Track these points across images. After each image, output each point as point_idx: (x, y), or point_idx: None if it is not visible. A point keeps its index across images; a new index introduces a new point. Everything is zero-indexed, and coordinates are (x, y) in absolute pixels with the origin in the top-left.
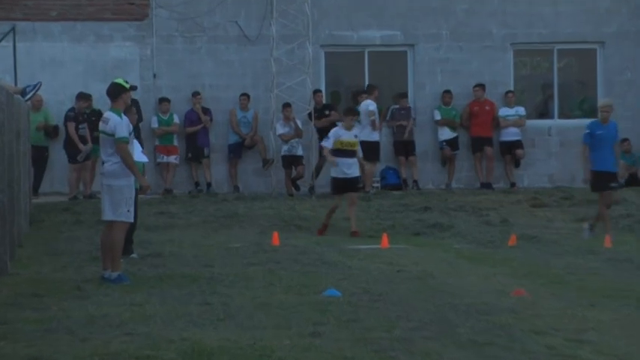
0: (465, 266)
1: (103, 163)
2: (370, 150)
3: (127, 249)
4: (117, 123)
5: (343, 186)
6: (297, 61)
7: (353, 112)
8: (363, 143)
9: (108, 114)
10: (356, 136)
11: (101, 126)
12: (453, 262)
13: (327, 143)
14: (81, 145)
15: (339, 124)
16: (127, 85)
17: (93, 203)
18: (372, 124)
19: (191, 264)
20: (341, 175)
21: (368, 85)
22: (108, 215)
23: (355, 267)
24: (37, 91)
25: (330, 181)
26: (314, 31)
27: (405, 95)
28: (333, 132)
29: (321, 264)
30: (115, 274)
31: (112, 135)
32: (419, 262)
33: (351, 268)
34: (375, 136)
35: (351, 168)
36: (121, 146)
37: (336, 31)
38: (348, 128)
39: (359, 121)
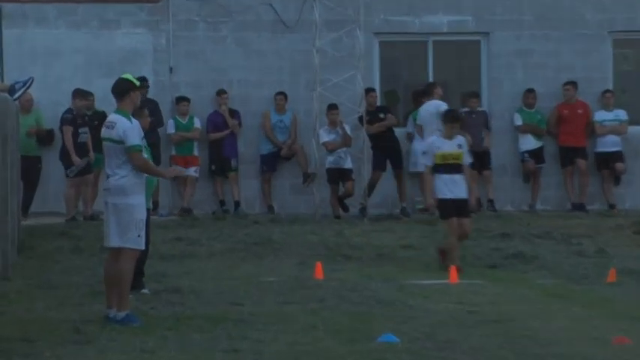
0: (552, 307)
1: (107, 176)
2: None
3: (137, 283)
4: (126, 128)
5: (452, 209)
6: (346, 53)
7: (454, 118)
8: None
9: (113, 117)
10: (460, 146)
11: (105, 132)
12: (537, 301)
13: (427, 160)
14: (75, 158)
15: (438, 133)
16: (137, 83)
17: (95, 226)
18: None
19: (215, 302)
20: (449, 196)
21: (428, 84)
22: (114, 241)
23: (417, 307)
24: (28, 88)
25: (437, 204)
26: (366, 15)
27: (476, 95)
28: (429, 144)
29: (375, 303)
30: (122, 314)
31: (120, 142)
32: (495, 301)
33: (412, 308)
34: None
35: (458, 186)
36: (134, 156)
37: (393, 16)
38: (449, 137)
39: (416, 127)
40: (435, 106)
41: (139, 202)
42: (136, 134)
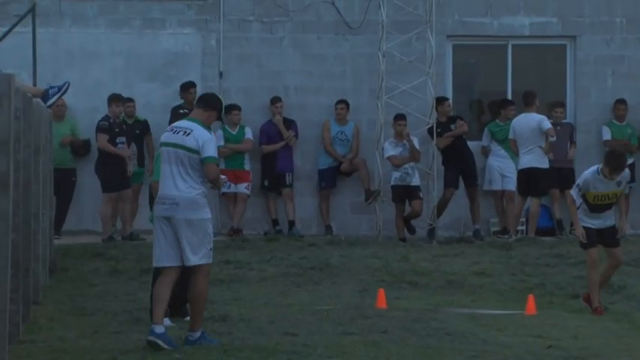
0: None
1: (165, 188)
2: (539, 180)
3: (181, 309)
4: (207, 139)
5: (596, 238)
6: (415, 58)
7: (620, 166)
8: (529, 171)
9: (188, 124)
10: (619, 184)
11: (173, 137)
12: (625, 335)
13: (574, 193)
14: (122, 151)
15: (597, 168)
16: (223, 111)
17: (134, 246)
18: (550, 147)
19: (266, 332)
20: (594, 226)
21: (528, 92)
22: (191, 260)
23: (491, 340)
24: (63, 94)
25: (584, 232)
26: (438, 16)
27: (562, 105)
28: (584, 177)
29: (443, 335)
30: (197, 334)
31: (196, 152)
32: (578, 335)
33: (485, 341)
34: (545, 162)
35: (608, 219)
36: (211, 168)
37: (468, 17)
38: (611, 176)
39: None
40: (537, 121)
41: (210, 217)
42: (214, 146)
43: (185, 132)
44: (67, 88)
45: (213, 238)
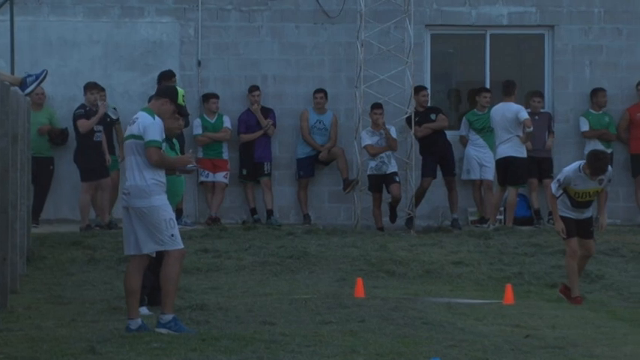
0: (619, 331)
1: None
2: (516, 170)
3: (157, 298)
4: (147, 124)
5: (576, 229)
6: (393, 47)
7: (601, 169)
8: (507, 160)
9: (138, 114)
10: (601, 181)
11: (127, 129)
12: (603, 325)
13: (554, 187)
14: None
15: (579, 165)
16: (181, 101)
17: (112, 235)
18: (527, 137)
19: (244, 320)
20: (573, 217)
21: (508, 82)
22: (149, 247)
23: (468, 330)
24: (41, 82)
25: (561, 221)
26: (416, 5)
27: (540, 95)
28: (565, 173)
29: (421, 324)
30: (168, 316)
31: (140, 138)
32: (556, 324)
33: (462, 330)
34: (523, 152)
35: (586, 212)
36: (150, 151)
37: (446, 6)
38: (592, 178)
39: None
40: (514, 111)
41: (162, 203)
42: (156, 130)
43: (133, 121)
44: (45, 76)
45: (174, 223)
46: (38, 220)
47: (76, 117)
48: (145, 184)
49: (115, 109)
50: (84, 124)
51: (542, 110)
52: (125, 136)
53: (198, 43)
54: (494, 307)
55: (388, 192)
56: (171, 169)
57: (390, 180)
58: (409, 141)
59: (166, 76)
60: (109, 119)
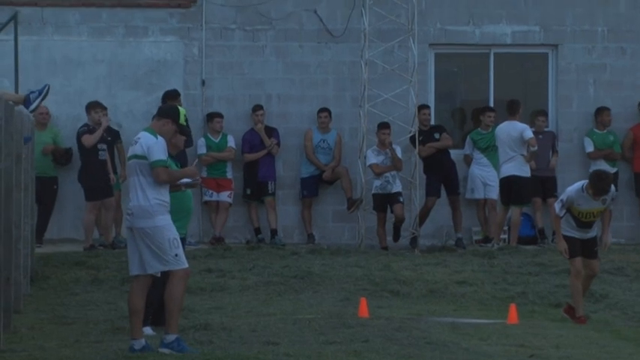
0: (624, 351)
1: (131, 199)
2: (520, 189)
3: (161, 318)
4: (151, 144)
5: (580, 248)
6: (397, 66)
7: (603, 190)
8: (511, 180)
9: (140, 134)
10: (604, 201)
11: (129, 149)
12: (607, 344)
13: (557, 207)
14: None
15: (582, 185)
16: (183, 121)
17: (116, 255)
18: (531, 156)
19: (248, 340)
20: (577, 236)
21: (513, 101)
22: (154, 267)
23: (473, 350)
24: (44, 97)
25: (564, 240)
26: (420, 24)
27: (544, 114)
28: (568, 193)
29: (425, 344)
30: (172, 337)
31: (143, 158)
32: (560, 344)
33: (467, 350)
34: (527, 171)
35: (590, 232)
36: (157, 171)
37: (450, 26)
38: (595, 198)
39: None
40: (519, 130)
41: (166, 223)
42: (160, 150)
43: (135, 142)
44: (47, 91)
45: (179, 243)
46: (42, 239)
47: (80, 134)
48: (148, 205)
49: (120, 126)
50: (88, 139)
51: (546, 129)
52: (128, 156)
53: (202, 63)
54: (499, 326)
55: (392, 212)
56: (176, 186)
57: (394, 200)
58: (413, 160)
59: (171, 96)
60: (110, 138)
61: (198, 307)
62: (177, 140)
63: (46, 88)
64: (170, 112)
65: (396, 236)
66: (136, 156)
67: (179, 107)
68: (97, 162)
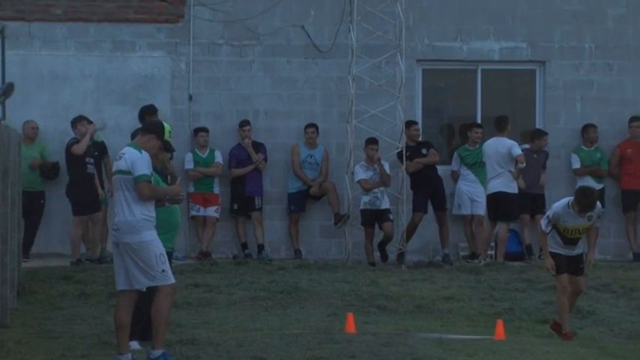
0: None
1: (116, 214)
2: (507, 205)
3: (148, 332)
4: (135, 158)
5: (566, 265)
6: (385, 81)
7: (589, 206)
8: (498, 196)
9: (124, 149)
10: (590, 218)
11: (114, 165)
12: None
13: (543, 224)
14: (100, 190)
15: (568, 202)
16: (167, 137)
17: (102, 270)
18: (519, 172)
19: (235, 356)
20: (564, 253)
21: (501, 117)
22: (141, 282)
23: None
24: (7, 95)
25: (551, 257)
26: (408, 40)
27: (544, 133)
28: (554, 209)
29: None
30: (158, 352)
31: (128, 173)
32: None
33: None
34: (514, 188)
35: (577, 248)
36: (141, 186)
37: (438, 41)
38: (580, 215)
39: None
40: (507, 146)
41: (152, 238)
42: (144, 165)
43: (120, 157)
44: (10, 91)
45: (165, 259)
46: (29, 254)
47: (69, 146)
48: (134, 220)
49: (104, 125)
50: (77, 147)
51: (544, 148)
52: (113, 171)
53: (189, 78)
54: (486, 342)
55: (380, 229)
56: (160, 201)
57: (384, 218)
58: (400, 176)
59: (149, 112)
60: (97, 153)
61: (185, 321)
62: (163, 156)
63: (8, 86)
64: (155, 128)
65: (384, 257)
66: (120, 171)
67: (164, 123)
68: (85, 176)
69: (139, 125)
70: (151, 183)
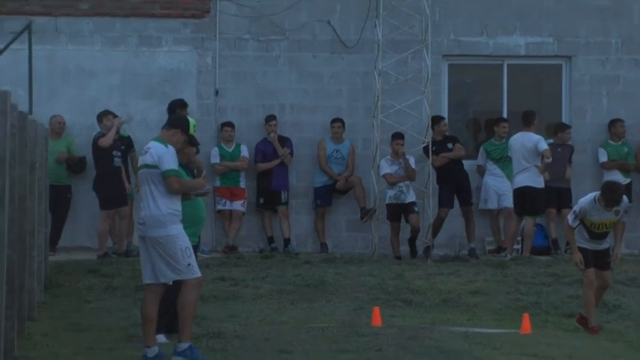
0: None
1: (142, 208)
2: (533, 200)
3: (174, 326)
4: (161, 153)
5: (593, 260)
6: (411, 76)
7: (615, 201)
8: (524, 191)
9: (150, 143)
10: (617, 213)
11: (140, 159)
12: (620, 355)
13: (570, 219)
14: (127, 184)
15: (594, 196)
16: (192, 131)
17: (129, 263)
18: (545, 167)
19: (261, 349)
20: (590, 248)
21: (528, 112)
22: (167, 276)
23: (485, 359)
24: None
25: (581, 259)
26: (434, 35)
27: (567, 127)
28: (581, 204)
29: (438, 353)
30: (185, 345)
31: (154, 167)
32: (573, 354)
33: None
34: (540, 182)
35: (603, 243)
36: (169, 180)
37: (464, 37)
38: (607, 209)
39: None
40: (533, 141)
41: (178, 232)
42: (171, 159)
43: (145, 151)
44: None
45: (191, 252)
46: (56, 247)
47: (95, 139)
48: (160, 214)
49: (130, 118)
50: (103, 140)
51: (568, 142)
52: (138, 166)
53: (215, 73)
54: (512, 336)
55: (407, 222)
56: (186, 194)
57: (409, 210)
58: (426, 170)
59: (179, 106)
60: (123, 147)
61: (211, 315)
62: (189, 150)
63: None
64: (180, 122)
65: (413, 252)
66: (146, 165)
67: (189, 118)
68: (112, 169)
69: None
70: (180, 177)
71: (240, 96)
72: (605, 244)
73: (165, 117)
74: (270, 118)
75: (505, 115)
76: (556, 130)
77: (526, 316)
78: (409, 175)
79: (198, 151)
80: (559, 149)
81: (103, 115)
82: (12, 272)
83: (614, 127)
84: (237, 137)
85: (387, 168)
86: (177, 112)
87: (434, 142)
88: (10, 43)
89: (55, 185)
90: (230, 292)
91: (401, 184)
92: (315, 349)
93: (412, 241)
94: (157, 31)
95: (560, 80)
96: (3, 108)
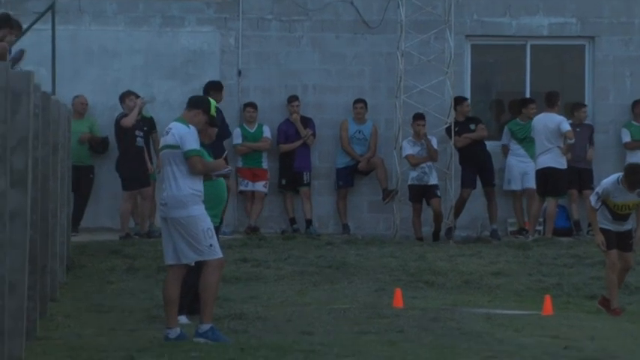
0: None
1: (164, 189)
2: (556, 181)
3: (196, 307)
4: (183, 133)
5: (615, 241)
6: (433, 57)
7: (638, 177)
8: (547, 171)
9: (171, 124)
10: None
11: (162, 140)
12: None
13: (593, 200)
14: (149, 165)
15: (617, 178)
16: (214, 112)
17: (151, 244)
18: (568, 148)
19: (283, 330)
20: (613, 229)
21: (552, 93)
22: (189, 257)
23: (507, 341)
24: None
25: (604, 240)
26: (457, 16)
27: (582, 105)
28: (603, 186)
29: (459, 335)
30: (206, 326)
31: (176, 147)
32: (595, 335)
33: (501, 341)
34: (563, 163)
35: (626, 224)
36: (192, 160)
37: (487, 17)
38: (629, 191)
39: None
40: (556, 122)
41: (200, 213)
42: (193, 139)
43: (167, 132)
44: (21, 56)
45: (213, 233)
46: (78, 228)
47: (118, 120)
48: (182, 195)
49: (153, 98)
50: (126, 120)
51: (584, 122)
52: (160, 146)
53: (238, 53)
54: (533, 318)
55: (428, 204)
56: (207, 175)
57: (431, 194)
58: (449, 151)
59: (215, 88)
60: (145, 128)
61: (233, 296)
62: (211, 131)
63: (21, 52)
64: (201, 103)
65: (436, 236)
66: (168, 146)
67: (210, 99)
68: (134, 149)
69: None
70: (201, 157)
71: (262, 76)
72: (627, 226)
73: (188, 97)
74: (293, 98)
75: (528, 96)
76: (572, 109)
77: (548, 298)
78: (431, 155)
79: (229, 133)
80: (577, 129)
81: (126, 96)
82: (34, 253)
83: (638, 107)
84: (260, 118)
85: (409, 149)
86: (211, 93)
87: (456, 123)
88: (34, 23)
89: (77, 166)
90: (252, 274)
91: (423, 165)
92: (336, 331)
93: (436, 227)
94: (180, 11)
95: (583, 61)
96: (26, 88)
